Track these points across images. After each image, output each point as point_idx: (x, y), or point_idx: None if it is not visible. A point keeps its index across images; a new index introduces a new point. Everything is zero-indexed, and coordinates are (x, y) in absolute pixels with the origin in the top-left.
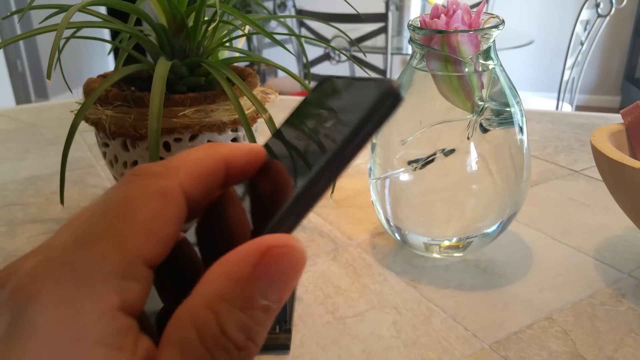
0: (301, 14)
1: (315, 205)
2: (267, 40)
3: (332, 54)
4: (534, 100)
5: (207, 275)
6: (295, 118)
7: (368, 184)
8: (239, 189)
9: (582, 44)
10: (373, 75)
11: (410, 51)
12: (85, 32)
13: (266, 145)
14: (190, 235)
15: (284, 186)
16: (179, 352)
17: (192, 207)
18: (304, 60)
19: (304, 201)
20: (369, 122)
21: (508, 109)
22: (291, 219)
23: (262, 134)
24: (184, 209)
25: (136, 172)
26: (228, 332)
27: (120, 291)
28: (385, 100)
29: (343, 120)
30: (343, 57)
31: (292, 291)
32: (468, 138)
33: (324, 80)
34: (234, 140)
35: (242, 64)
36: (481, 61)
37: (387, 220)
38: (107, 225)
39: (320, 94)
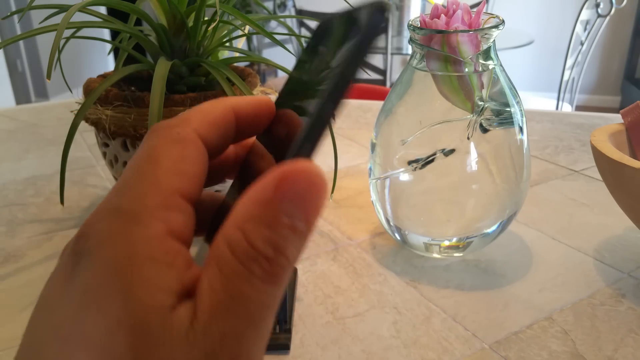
0: (301, 14)
1: (325, 129)
2: (267, 40)
3: None
4: (534, 100)
5: (236, 205)
6: (300, 66)
7: (368, 184)
8: (265, 144)
9: (582, 44)
10: (373, 75)
11: (410, 51)
12: (85, 32)
13: (280, 98)
14: (230, 195)
15: (296, 127)
16: (217, 268)
17: (211, 151)
18: None
19: (314, 127)
20: (363, 43)
21: (508, 109)
22: (306, 147)
23: None
24: (203, 150)
25: (154, 128)
26: (256, 245)
27: (164, 219)
28: (371, 21)
29: (340, 52)
30: None
31: (317, 218)
32: (468, 138)
33: (322, 22)
34: None
35: (242, 64)
36: (481, 61)
37: (387, 220)
38: (140, 174)
39: (319, 37)
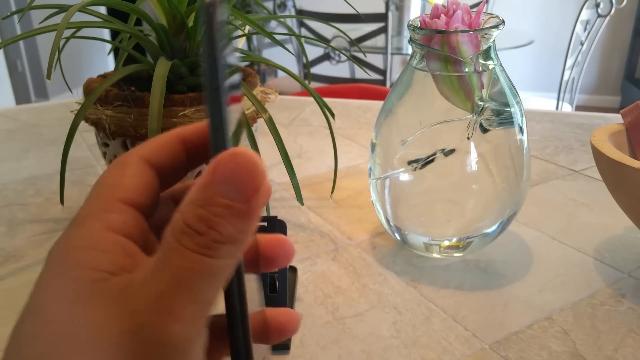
0: (301, 14)
1: (221, 113)
2: (267, 40)
3: (332, 54)
4: (534, 100)
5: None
6: None
7: (368, 184)
8: None
9: (582, 44)
10: (373, 75)
11: (410, 51)
12: (85, 32)
13: None
14: None
15: None
16: (160, 249)
17: (162, 170)
18: (304, 60)
19: (213, 120)
20: (207, 43)
21: (508, 109)
22: (218, 137)
23: (262, 133)
24: (145, 168)
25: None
26: (189, 222)
27: (102, 219)
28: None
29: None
30: (343, 57)
31: (258, 198)
32: (468, 138)
33: None
34: None
35: (242, 64)
36: (481, 61)
37: (387, 220)
38: (90, 194)
39: None
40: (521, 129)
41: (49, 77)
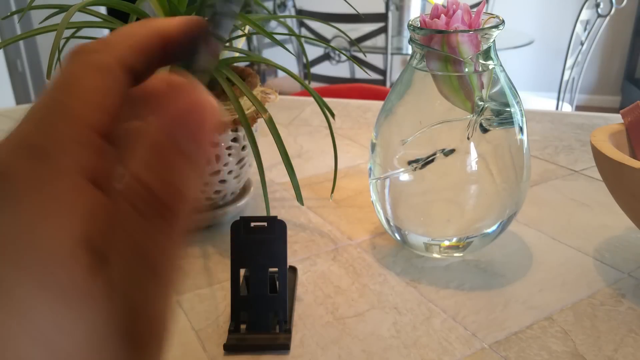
0: (301, 14)
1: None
2: (267, 40)
3: (332, 54)
4: (534, 100)
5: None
6: None
7: (368, 184)
8: None
9: (582, 44)
10: (373, 75)
11: (410, 51)
12: (85, 32)
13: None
14: None
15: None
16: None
17: (137, 77)
18: (304, 60)
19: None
20: None
21: (508, 109)
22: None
23: (263, 134)
24: (122, 80)
25: (76, 50)
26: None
27: (75, 157)
28: None
29: None
30: (343, 57)
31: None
32: (468, 138)
33: None
34: (234, 140)
35: (242, 64)
36: (481, 61)
37: (387, 220)
38: (55, 103)
39: None
40: (521, 129)
41: (49, 77)
